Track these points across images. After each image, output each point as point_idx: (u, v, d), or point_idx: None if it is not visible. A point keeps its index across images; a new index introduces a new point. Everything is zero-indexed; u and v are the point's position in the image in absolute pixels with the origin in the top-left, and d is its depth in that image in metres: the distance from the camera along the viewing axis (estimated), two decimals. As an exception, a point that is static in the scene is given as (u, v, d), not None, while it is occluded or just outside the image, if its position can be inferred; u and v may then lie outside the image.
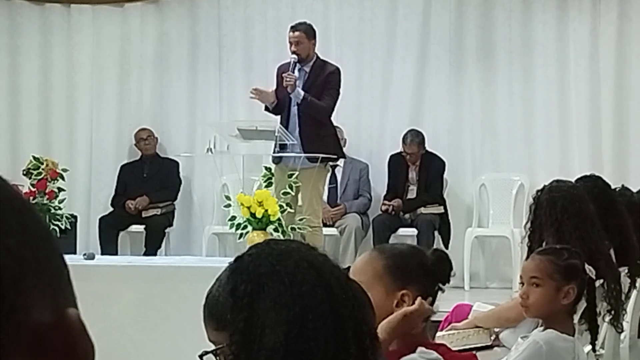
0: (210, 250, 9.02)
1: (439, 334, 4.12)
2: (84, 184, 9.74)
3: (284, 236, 6.24)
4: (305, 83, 7.57)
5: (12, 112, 9.80)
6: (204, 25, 9.71)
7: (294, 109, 7.54)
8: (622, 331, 4.07)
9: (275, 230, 6.37)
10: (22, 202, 0.70)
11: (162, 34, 9.81)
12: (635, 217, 4.65)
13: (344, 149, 9.13)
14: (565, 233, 3.92)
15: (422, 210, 8.75)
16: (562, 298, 3.28)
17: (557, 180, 4.28)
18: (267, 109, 7.65)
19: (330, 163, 8.73)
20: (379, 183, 9.11)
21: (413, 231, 8.72)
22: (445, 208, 8.84)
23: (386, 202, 8.85)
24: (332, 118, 7.71)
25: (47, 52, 9.82)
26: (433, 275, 2.57)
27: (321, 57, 7.77)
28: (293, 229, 6.51)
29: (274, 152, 7.43)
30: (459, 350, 4.01)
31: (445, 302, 6.14)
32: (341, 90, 7.72)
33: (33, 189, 8.53)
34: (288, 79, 7.41)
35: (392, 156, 9.00)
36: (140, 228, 9.18)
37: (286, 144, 7.33)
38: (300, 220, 7.09)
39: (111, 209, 9.35)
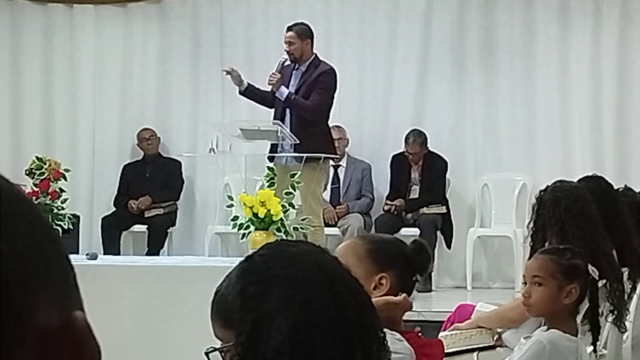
0: (213, 250, 9.03)
1: (441, 334, 4.12)
2: (87, 184, 9.75)
3: (286, 236, 6.23)
4: (299, 82, 7.62)
5: (14, 112, 9.81)
6: (206, 25, 9.72)
7: (288, 108, 7.60)
8: (625, 331, 4.07)
9: (278, 230, 6.37)
10: (28, 204, 0.71)
11: (164, 34, 9.81)
12: (638, 217, 4.64)
13: (347, 149, 9.15)
14: (568, 233, 3.91)
15: (425, 210, 8.75)
16: (564, 297, 3.29)
17: (561, 181, 4.28)
18: (244, 94, 7.80)
19: (332, 163, 8.74)
20: (382, 183, 9.11)
21: (415, 231, 8.71)
22: (447, 208, 8.83)
23: (388, 202, 8.85)
24: (329, 117, 7.72)
25: (50, 52, 9.83)
26: (411, 264, 2.65)
27: (320, 58, 7.78)
28: (296, 228, 6.50)
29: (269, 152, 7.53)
30: (462, 351, 4.01)
31: (447, 303, 6.15)
32: (337, 90, 7.73)
33: (36, 189, 8.53)
34: (271, 79, 7.52)
35: (394, 156, 9.00)
36: (142, 228, 9.18)
37: (277, 144, 7.37)
38: (303, 220, 7.09)
39: (114, 209, 9.36)
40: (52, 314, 0.68)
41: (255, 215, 6.31)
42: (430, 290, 8.38)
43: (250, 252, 1.76)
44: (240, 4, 9.59)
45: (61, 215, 8.61)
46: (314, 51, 7.79)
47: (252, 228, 6.40)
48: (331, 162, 9.07)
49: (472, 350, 4.04)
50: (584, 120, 9.02)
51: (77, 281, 0.72)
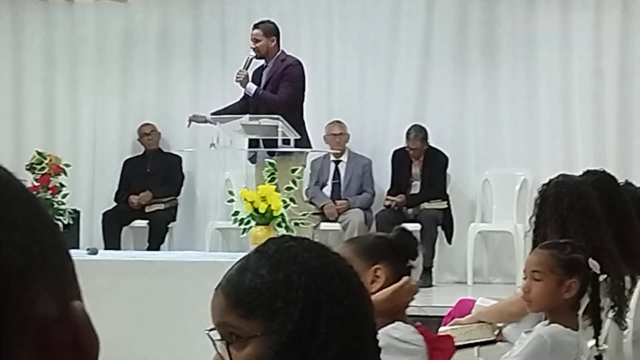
0: (214, 245, 9.03)
1: (442, 328, 4.12)
2: (87, 179, 9.75)
3: (287, 231, 6.23)
4: (266, 79, 7.72)
5: (15, 107, 9.81)
6: (207, 20, 9.71)
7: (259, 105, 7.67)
8: (626, 328, 4.06)
9: (279, 225, 6.36)
10: (27, 195, 0.71)
11: (165, 28, 9.81)
12: (639, 213, 4.63)
13: (347, 145, 9.15)
14: (569, 230, 3.91)
15: (426, 205, 8.75)
16: (564, 292, 3.29)
17: (564, 175, 4.26)
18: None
19: (333, 158, 8.72)
20: (382, 178, 9.11)
21: (416, 226, 8.70)
22: (448, 203, 8.83)
23: (389, 197, 8.84)
24: (303, 110, 7.73)
25: (51, 47, 9.82)
26: (399, 251, 2.71)
27: (286, 53, 7.89)
28: (296, 224, 6.50)
29: (249, 152, 7.64)
30: (462, 346, 4.01)
31: (448, 298, 6.14)
32: (306, 82, 7.79)
33: (36, 184, 8.53)
34: (238, 75, 7.63)
35: (395, 151, 9.00)
36: (143, 223, 9.18)
37: (257, 140, 7.42)
38: (304, 214, 7.08)
39: (114, 204, 9.36)
40: (51, 303, 0.68)
41: (256, 210, 6.31)
42: (430, 286, 8.39)
43: (253, 247, 1.76)
44: (241, -1, 9.59)
45: (62, 210, 8.61)
46: (282, 48, 7.89)
47: (253, 223, 6.39)
48: (332, 157, 9.08)
49: (472, 345, 4.04)
50: (586, 116, 9.01)
51: (75, 271, 0.72)
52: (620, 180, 4.93)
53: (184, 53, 9.74)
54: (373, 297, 2.49)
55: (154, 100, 9.79)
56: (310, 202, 8.79)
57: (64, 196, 8.71)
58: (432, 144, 8.92)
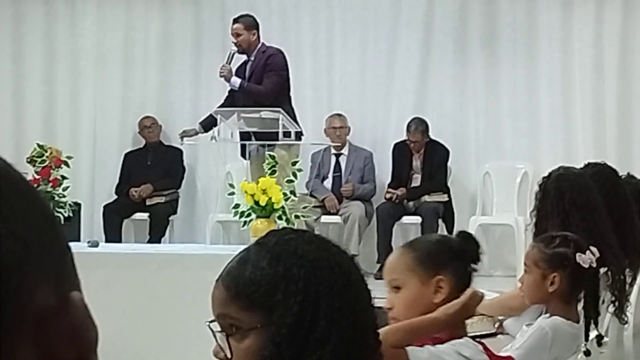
0: (214, 238, 9.03)
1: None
2: (88, 172, 9.75)
3: (288, 224, 6.23)
4: (249, 72, 7.76)
5: (16, 100, 9.81)
6: (208, 13, 9.71)
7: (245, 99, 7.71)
8: (627, 323, 4.06)
9: (280, 218, 6.36)
10: (26, 186, 0.71)
11: (166, 21, 9.80)
12: (640, 206, 4.63)
13: (348, 137, 9.15)
14: (572, 224, 3.90)
15: (426, 198, 8.75)
16: (548, 286, 3.32)
17: (564, 168, 4.26)
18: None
19: (334, 151, 8.71)
20: (383, 171, 9.11)
21: (417, 219, 8.72)
22: (449, 196, 8.84)
23: (390, 190, 8.84)
24: (291, 98, 7.75)
25: (51, 40, 9.82)
26: (461, 257, 2.61)
27: (267, 44, 7.93)
28: (297, 216, 6.50)
29: (241, 148, 7.70)
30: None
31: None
32: (289, 70, 7.83)
33: (37, 177, 8.52)
34: (221, 70, 7.69)
35: (396, 144, 9.00)
36: (144, 216, 9.19)
37: (248, 133, 7.44)
38: (304, 208, 7.08)
39: (115, 197, 9.36)
40: (50, 294, 0.68)
41: (257, 203, 6.31)
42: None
43: (253, 240, 1.77)
44: (243, -9, 9.58)
45: (62, 203, 8.59)
46: (262, 40, 7.93)
47: (253, 216, 6.39)
48: (333, 150, 9.08)
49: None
50: (587, 109, 9.01)
51: (74, 262, 0.72)
52: (622, 173, 4.93)
53: (184, 46, 9.73)
54: (442, 310, 2.48)
55: (154, 93, 9.79)
56: (311, 195, 8.79)
57: (65, 189, 8.69)
58: (432, 137, 8.92)
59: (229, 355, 1.69)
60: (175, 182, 9.40)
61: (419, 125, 8.84)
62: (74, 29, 9.82)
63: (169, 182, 9.32)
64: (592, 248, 3.36)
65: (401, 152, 8.95)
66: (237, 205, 6.64)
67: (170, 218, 9.27)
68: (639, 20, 8.93)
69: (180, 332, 5.50)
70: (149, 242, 8.80)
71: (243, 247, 1.76)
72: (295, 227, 5.99)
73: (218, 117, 7.51)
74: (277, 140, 7.19)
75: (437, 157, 8.90)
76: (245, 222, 6.47)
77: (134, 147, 9.61)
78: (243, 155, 7.80)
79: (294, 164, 6.97)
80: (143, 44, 9.82)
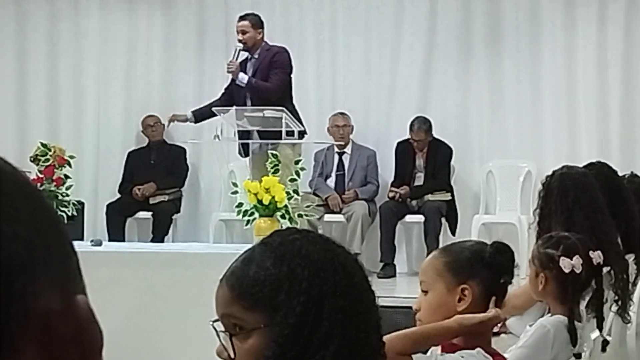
0: (218, 237, 9.03)
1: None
2: (91, 171, 9.75)
3: (291, 223, 6.23)
4: (254, 69, 7.75)
5: (19, 99, 9.81)
6: (211, 12, 9.71)
7: (248, 95, 7.69)
8: (630, 322, 4.06)
9: (283, 217, 6.36)
10: (31, 188, 0.70)
11: (169, 20, 9.81)
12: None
13: (352, 136, 9.15)
14: (575, 223, 3.91)
15: (429, 197, 8.75)
16: (539, 284, 3.38)
17: (568, 167, 4.26)
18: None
19: (337, 150, 8.70)
20: (386, 170, 9.10)
21: (420, 218, 8.72)
22: (452, 195, 8.83)
23: (393, 189, 8.84)
24: (292, 97, 7.75)
25: (55, 39, 9.82)
26: (492, 268, 2.60)
27: (270, 43, 7.93)
28: (300, 215, 6.50)
29: (239, 147, 7.68)
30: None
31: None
32: (293, 69, 7.84)
33: (40, 176, 8.53)
34: (230, 66, 7.67)
35: (399, 143, 9.00)
36: (147, 215, 9.19)
37: (248, 131, 7.44)
38: (308, 206, 7.09)
39: (118, 196, 9.36)
40: (54, 297, 0.68)
41: (260, 202, 6.31)
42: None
43: (257, 238, 1.77)
44: (246, -9, 9.58)
45: (66, 201, 8.62)
46: (265, 39, 7.94)
47: (256, 215, 6.39)
48: (336, 149, 9.08)
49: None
50: (590, 107, 9.00)
51: (79, 265, 0.72)
52: (625, 171, 4.93)
53: (188, 45, 9.74)
54: (458, 319, 2.48)
55: (157, 91, 9.79)
56: (314, 194, 8.80)
57: (68, 188, 8.71)
58: (436, 136, 8.92)
59: (232, 355, 1.69)
60: (178, 181, 9.40)
61: (422, 124, 8.83)
62: (77, 28, 9.83)
63: (172, 181, 9.32)
64: (593, 253, 3.37)
65: (404, 150, 8.94)
66: (240, 204, 6.64)
67: (174, 217, 9.27)
68: (643, 18, 8.93)
69: (183, 331, 5.50)
70: (152, 240, 8.80)
71: (246, 245, 1.76)
72: (298, 225, 6.00)
73: (220, 114, 7.51)
74: (280, 138, 7.19)
75: (440, 155, 8.90)
76: (248, 221, 6.47)
77: (137, 146, 9.61)
78: (241, 153, 7.80)
79: (297, 162, 6.98)
80: (146, 43, 9.83)
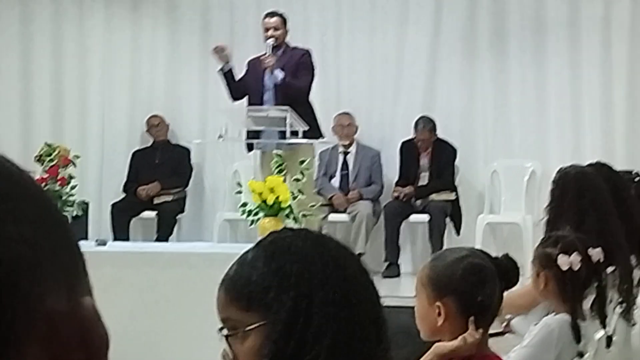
0: (222, 237, 9.04)
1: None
2: (96, 171, 9.76)
3: (295, 223, 6.23)
4: (280, 68, 7.71)
5: (24, 99, 9.82)
6: (216, 11, 9.71)
7: (268, 94, 7.64)
8: (634, 324, 4.06)
9: (287, 216, 6.36)
10: (38, 190, 0.71)
11: (174, 20, 9.81)
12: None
13: (356, 136, 9.15)
14: (586, 224, 3.91)
15: (434, 197, 8.75)
16: (540, 283, 3.40)
17: (582, 167, 4.27)
18: (224, 75, 7.95)
19: (341, 150, 8.71)
20: (391, 170, 9.11)
21: (424, 218, 8.72)
22: (457, 195, 8.83)
23: (398, 188, 8.84)
24: (310, 99, 7.77)
25: (59, 39, 9.83)
26: (467, 289, 2.56)
27: (289, 43, 7.91)
28: (304, 215, 6.49)
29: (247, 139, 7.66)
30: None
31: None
32: (316, 71, 7.86)
33: (45, 176, 8.53)
34: (268, 61, 7.61)
35: (403, 143, 8.99)
36: (152, 214, 9.19)
37: (261, 130, 7.44)
38: (312, 206, 7.09)
39: (123, 196, 9.37)
40: (61, 299, 0.68)
41: (264, 201, 6.31)
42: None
43: (260, 238, 1.77)
44: (250, -10, 9.58)
45: (70, 201, 8.61)
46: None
47: (261, 214, 6.39)
48: (340, 149, 9.08)
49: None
50: (595, 106, 8.99)
51: (86, 267, 0.72)
52: (630, 170, 4.92)
53: (192, 44, 9.74)
54: (436, 348, 2.51)
55: (162, 91, 9.80)
56: (319, 193, 8.80)
57: (73, 187, 8.71)
58: (440, 136, 8.91)
59: (231, 357, 1.70)
60: (182, 181, 9.40)
61: (426, 124, 8.83)
62: (81, 28, 9.84)
63: (176, 181, 9.33)
64: (592, 250, 3.37)
65: (409, 150, 8.94)
66: (244, 204, 6.64)
67: (178, 216, 9.27)
68: (647, 18, 8.92)
69: (187, 331, 5.50)
70: (156, 240, 8.81)
71: (251, 245, 1.76)
72: (302, 225, 5.99)
73: (226, 115, 7.51)
74: (296, 137, 7.19)
75: (444, 155, 8.90)
76: (252, 221, 6.47)
77: (142, 145, 9.62)
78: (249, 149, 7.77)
79: (302, 162, 6.97)
80: (150, 42, 9.83)
